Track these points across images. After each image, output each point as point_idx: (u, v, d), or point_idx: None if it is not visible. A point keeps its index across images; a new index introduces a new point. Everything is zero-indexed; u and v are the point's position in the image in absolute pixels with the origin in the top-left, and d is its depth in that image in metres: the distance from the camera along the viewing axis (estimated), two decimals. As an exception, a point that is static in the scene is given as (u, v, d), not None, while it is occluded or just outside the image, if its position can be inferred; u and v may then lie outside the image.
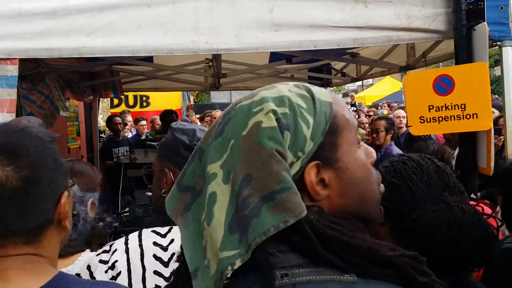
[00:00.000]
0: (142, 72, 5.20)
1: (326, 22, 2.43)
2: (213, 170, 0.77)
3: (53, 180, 0.98)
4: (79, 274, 1.37)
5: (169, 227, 1.42)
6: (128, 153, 5.91)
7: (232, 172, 0.75)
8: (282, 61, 4.80)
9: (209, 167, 0.78)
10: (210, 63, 5.07)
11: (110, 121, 7.55)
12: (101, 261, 1.36)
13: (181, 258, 0.83)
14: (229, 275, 0.71)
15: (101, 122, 8.37)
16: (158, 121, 7.10)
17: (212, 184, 0.76)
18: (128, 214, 3.74)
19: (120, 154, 6.55)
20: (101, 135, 7.27)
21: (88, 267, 1.36)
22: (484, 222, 1.19)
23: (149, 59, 4.57)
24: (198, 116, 10.68)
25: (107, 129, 8.12)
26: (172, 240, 1.39)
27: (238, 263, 0.71)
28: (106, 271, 1.33)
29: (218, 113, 9.41)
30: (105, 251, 1.38)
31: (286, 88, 0.81)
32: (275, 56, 4.82)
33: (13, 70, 2.31)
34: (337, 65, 5.80)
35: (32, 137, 0.99)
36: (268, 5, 2.39)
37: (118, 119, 7.61)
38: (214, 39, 2.38)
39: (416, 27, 2.46)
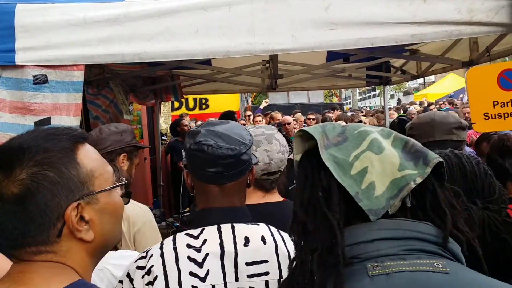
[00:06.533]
0: (201, 75, 5.31)
1: (383, 19, 2.39)
2: (372, 134, 0.99)
3: (55, 193, 0.94)
4: (122, 281, 1.40)
5: (202, 228, 1.44)
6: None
7: (389, 135, 1.00)
8: (339, 60, 4.74)
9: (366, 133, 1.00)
10: (267, 65, 5.09)
11: (178, 124, 7.92)
12: (138, 267, 1.39)
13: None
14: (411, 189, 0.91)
15: (163, 125, 8.61)
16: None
17: (372, 134, 0.98)
18: (189, 214, 3.83)
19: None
20: (162, 137, 7.49)
21: (128, 275, 1.40)
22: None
23: (207, 62, 4.65)
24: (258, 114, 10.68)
25: (168, 131, 8.39)
26: (204, 241, 1.41)
27: (419, 180, 0.91)
28: (142, 277, 1.36)
29: (278, 115, 9.42)
30: (142, 257, 1.42)
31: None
32: (332, 56, 4.78)
33: (79, 75, 2.43)
34: (396, 62, 5.67)
35: (37, 147, 0.95)
36: (323, 4, 2.38)
37: (185, 121, 8.06)
38: (269, 39, 2.40)
39: (479, 20, 2.36)
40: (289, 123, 8.06)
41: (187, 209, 3.99)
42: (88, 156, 1.02)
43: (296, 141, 1.05)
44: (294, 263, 0.98)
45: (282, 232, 1.49)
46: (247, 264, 1.38)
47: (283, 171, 2.15)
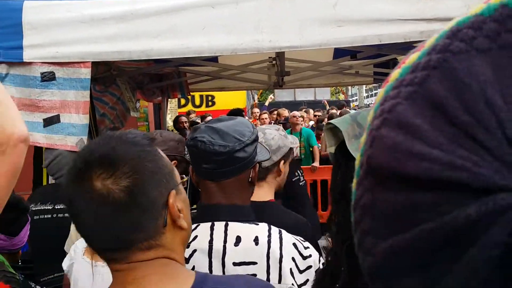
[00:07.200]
0: (207, 72, 5.30)
1: (391, 16, 2.37)
2: None
3: (157, 183, 0.95)
4: None
5: (197, 224, 1.42)
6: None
7: None
8: (346, 57, 4.72)
9: None
10: (274, 62, 5.07)
11: (176, 122, 8.00)
12: None
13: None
14: None
15: (169, 122, 8.62)
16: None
17: None
18: (195, 211, 3.83)
19: (186, 152, 6.79)
20: (169, 134, 7.53)
21: None
22: None
23: (214, 60, 4.64)
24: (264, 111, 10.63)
25: (174, 129, 8.42)
26: (195, 237, 1.39)
27: None
28: None
29: (285, 112, 9.36)
30: None
31: None
32: (339, 52, 4.74)
33: (86, 73, 2.43)
34: (404, 59, 5.64)
35: (126, 145, 0.96)
36: (331, 1, 2.37)
37: (183, 118, 8.21)
38: (276, 37, 2.39)
39: (488, 17, 2.34)
40: (298, 116, 8.10)
41: (194, 206, 3.99)
42: (162, 152, 1.05)
43: (326, 134, 1.04)
44: (330, 253, 0.99)
45: (284, 234, 1.43)
46: (235, 264, 1.35)
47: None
